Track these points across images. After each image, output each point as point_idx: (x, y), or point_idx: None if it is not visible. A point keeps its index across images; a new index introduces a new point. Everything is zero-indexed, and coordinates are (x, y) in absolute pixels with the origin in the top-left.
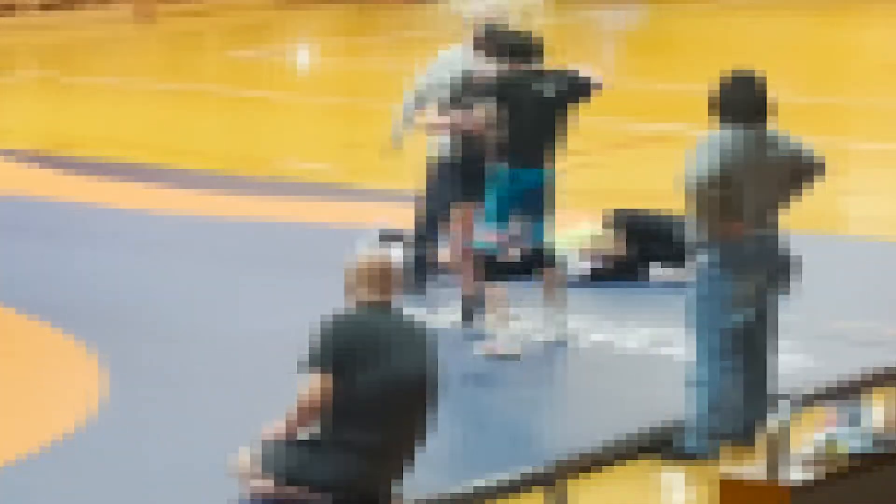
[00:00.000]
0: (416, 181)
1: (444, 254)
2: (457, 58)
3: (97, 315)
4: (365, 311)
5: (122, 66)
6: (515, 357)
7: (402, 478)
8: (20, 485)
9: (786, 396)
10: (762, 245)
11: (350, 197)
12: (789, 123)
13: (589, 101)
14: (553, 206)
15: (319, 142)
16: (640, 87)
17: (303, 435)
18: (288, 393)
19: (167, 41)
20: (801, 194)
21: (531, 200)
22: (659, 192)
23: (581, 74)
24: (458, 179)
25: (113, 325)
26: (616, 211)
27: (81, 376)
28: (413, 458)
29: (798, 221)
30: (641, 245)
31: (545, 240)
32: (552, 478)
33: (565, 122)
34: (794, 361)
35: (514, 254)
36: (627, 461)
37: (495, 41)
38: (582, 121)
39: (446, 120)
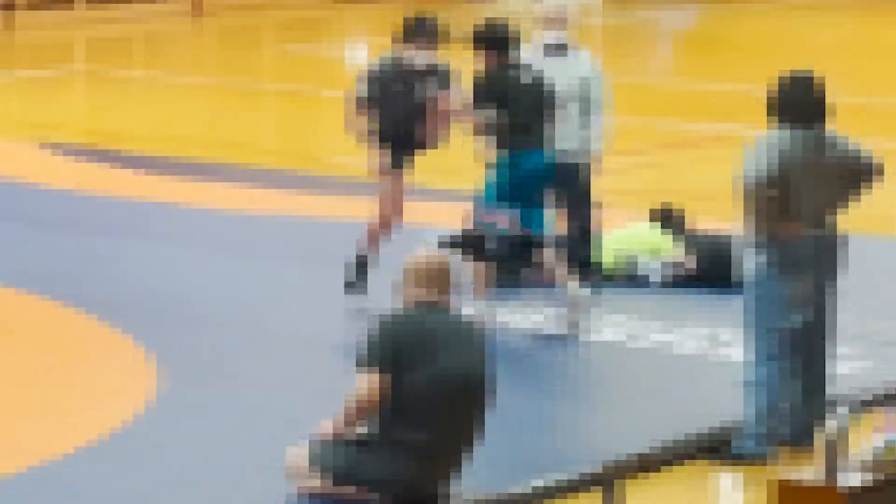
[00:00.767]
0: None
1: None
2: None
3: (148, 310)
4: (419, 310)
5: (177, 60)
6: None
7: (454, 477)
8: (73, 478)
9: (844, 399)
10: (819, 246)
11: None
12: (846, 124)
13: None
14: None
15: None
16: (696, 88)
17: (354, 434)
18: (340, 391)
19: (222, 36)
20: (858, 196)
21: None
22: (714, 193)
23: None
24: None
25: (164, 320)
26: (663, 208)
27: (132, 371)
28: (466, 458)
29: (855, 223)
30: (713, 267)
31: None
32: (609, 478)
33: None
34: (852, 364)
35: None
36: (684, 463)
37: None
38: (638, 120)
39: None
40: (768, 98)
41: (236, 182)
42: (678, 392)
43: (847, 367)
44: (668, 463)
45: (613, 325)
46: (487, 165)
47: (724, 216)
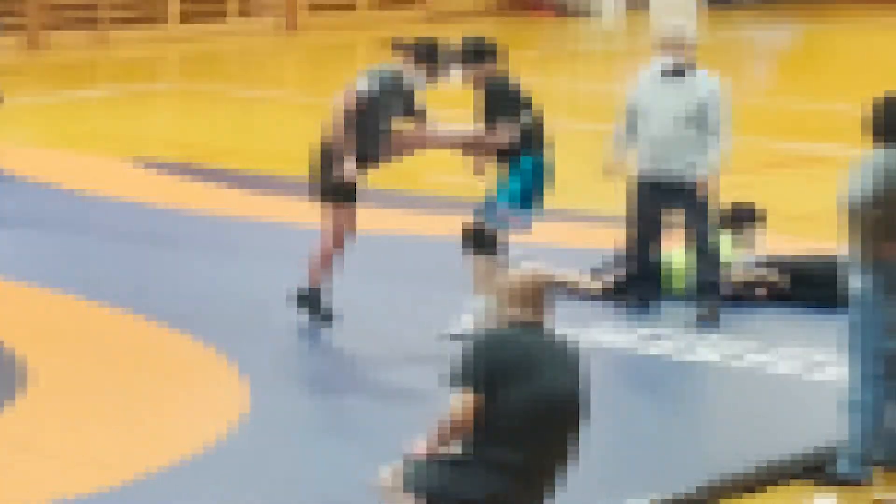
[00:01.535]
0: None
1: None
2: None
3: (236, 324)
4: (514, 329)
5: (269, 76)
6: None
7: (548, 497)
8: (165, 494)
9: None
10: None
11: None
12: None
13: None
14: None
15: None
16: (793, 107)
17: (448, 453)
18: (433, 409)
19: (312, 53)
20: None
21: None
22: (812, 213)
23: None
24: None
25: (252, 335)
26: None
27: (223, 387)
28: (560, 478)
29: None
30: (807, 287)
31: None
32: (706, 499)
33: None
34: None
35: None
36: (780, 485)
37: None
38: (734, 140)
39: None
40: (865, 118)
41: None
42: (775, 413)
43: None
44: (766, 484)
45: (709, 344)
46: (505, 170)
47: (822, 236)
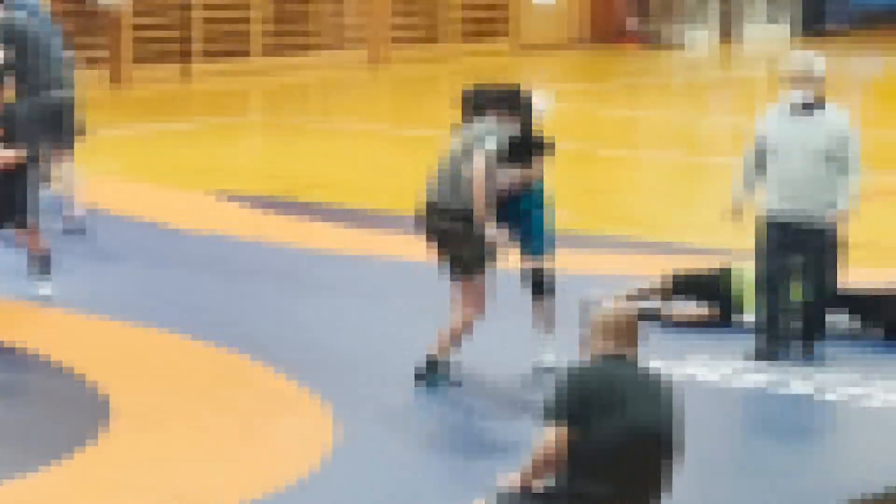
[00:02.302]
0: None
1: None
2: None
3: (324, 360)
4: (607, 363)
5: (351, 110)
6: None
7: None
8: None
9: None
10: None
11: (588, 244)
12: None
13: None
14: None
15: (560, 188)
16: (886, 137)
17: (539, 487)
18: (524, 443)
19: (397, 86)
20: None
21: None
22: None
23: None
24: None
25: (340, 370)
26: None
27: (310, 422)
28: None
29: None
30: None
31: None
32: None
33: None
34: None
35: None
36: None
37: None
38: None
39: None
40: None
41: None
42: (869, 446)
43: None
44: None
45: (802, 377)
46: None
47: None
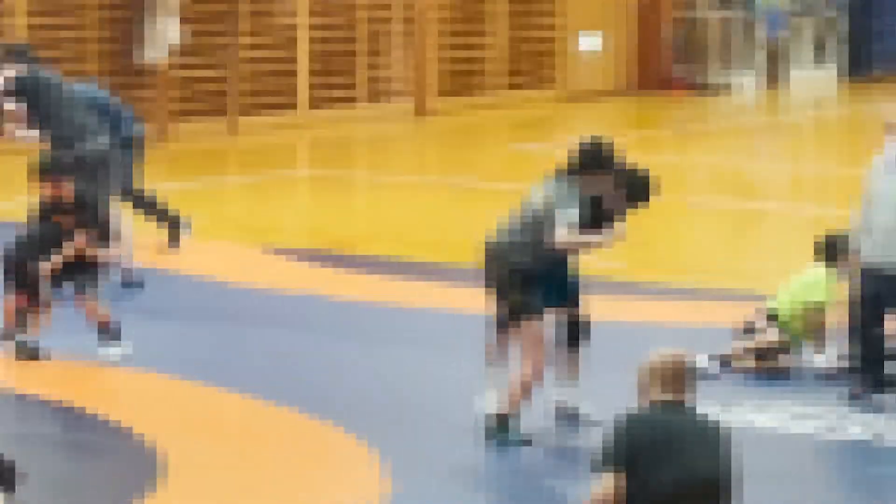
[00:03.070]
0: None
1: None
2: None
3: (380, 413)
4: (658, 409)
5: (400, 160)
6: None
7: None
8: None
9: None
10: None
11: (639, 292)
12: None
13: None
14: None
15: None
16: None
17: None
18: (580, 491)
19: (444, 137)
20: None
21: None
22: None
23: None
24: None
25: (396, 424)
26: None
27: (366, 474)
28: None
29: None
30: None
31: None
32: None
33: None
34: None
35: None
36: None
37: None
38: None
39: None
40: None
41: (464, 283)
42: None
43: None
44: None
45: (861, 423)
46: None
47: None
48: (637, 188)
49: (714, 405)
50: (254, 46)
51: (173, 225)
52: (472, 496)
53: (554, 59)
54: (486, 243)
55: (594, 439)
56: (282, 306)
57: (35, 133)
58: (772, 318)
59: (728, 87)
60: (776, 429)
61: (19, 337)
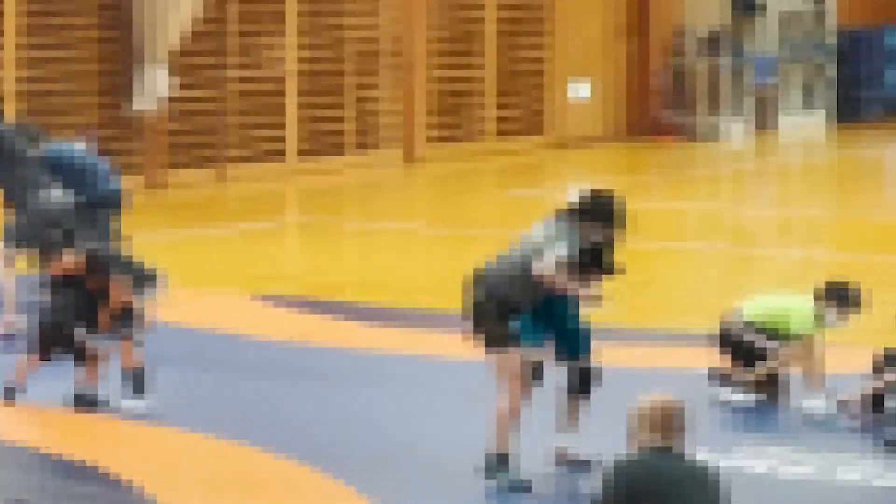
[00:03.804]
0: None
1: None
2: None
3: (368, 458)
4: (653, 455)
5: (391, 208)
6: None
7: None
8: None
9: None
10: None
11: (632, 337)
12: None
13: None
14: None
15: (604, 283)
16: None
17: None
18: None
19: (433, 184)
20: None
21: None
22: None
23: None
24: None
25: (383, 468)
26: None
27: None
28: None
29: None
30: None
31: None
32: None
33: None
34: None
35: None
36: None
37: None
38: (862, 258)
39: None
40: None
41: (453, 328)
42: None
43: None
44: None
45: (853, 467)
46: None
47: None
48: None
49: (707, 449)
50: (243, 95)
51: (148, 282)
52: None
53: (543, 105)
54: (474, 271)
55: (593, 486)
56: (272, 354)
57: None
58: (751, 326)
59: (717, 132)
60: (767, 472)
61: (77, 390)
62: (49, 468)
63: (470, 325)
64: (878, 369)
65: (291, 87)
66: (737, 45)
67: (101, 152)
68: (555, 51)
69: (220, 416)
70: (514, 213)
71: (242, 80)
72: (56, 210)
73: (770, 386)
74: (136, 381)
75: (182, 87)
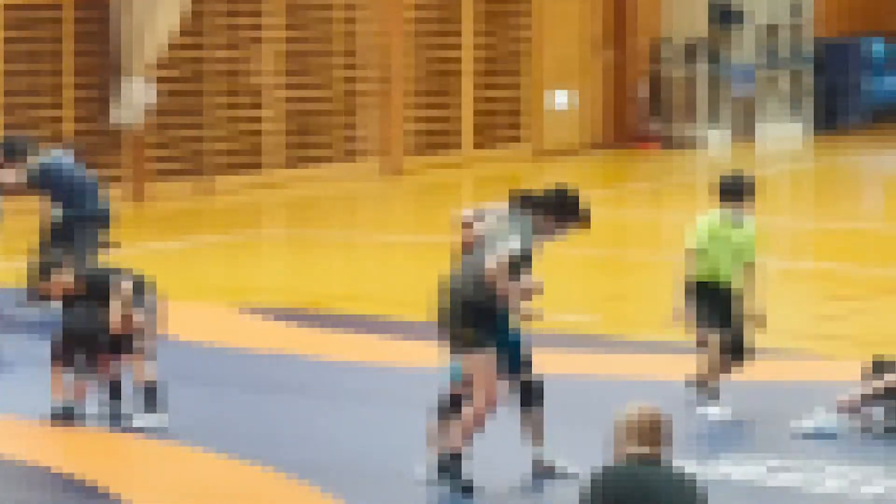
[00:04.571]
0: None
1: None
2: None
3: (356, 472)
4: (634, 465)
5: (373, 220)
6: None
7: None
8: None
9: None
10: None
11: (616, 349)
12: None
13: None
14: None
15: (585, 293)
16: None
17: None
18: None
19: (416, 195)
20: None
21: None
22: None
23: None
24: None
25: (370, 482)
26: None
27: None
28: None
29: None
30: None
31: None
32: None
33: None
34: None
35: None
36: None
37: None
38: (851, 266)
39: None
40: None
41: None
42: None
43: None
44: None
45: (837, 475)
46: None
47: None
48: (566, 208)
49: (693, 459)
50: (230, 106)
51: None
52: None
53: (524, 117)
54: (439, 278)
55: (572, 494)
56: (256, 366)
57: None
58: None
59: (695, 141)
60: (754, 481)
61: (65, 403)
62: (32, 481)
63: (442, 330)
64: (866, 377)
65: (279, 98)
66: (714, 54)
67: (85, 164)
68: (536, 61)
69: (204, 429)
70: None
71: (229, 90)
72: (55, 226)
73: None
74: (148, 397)
75: (169, 95)
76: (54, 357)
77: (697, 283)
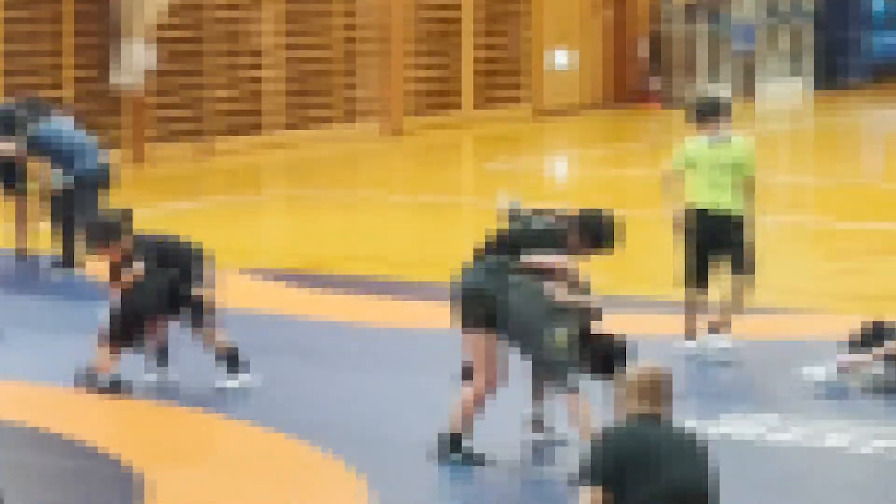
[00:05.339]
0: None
1: None
2: None
3: (360, 435)
4: (640, 424)
5: (374, 180)
6: None
7: None
8: None
9: None
10: None
11: (618, 307)
12: None
13: None
14: None
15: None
16: None
17: None
18: None
19: (417, 155)
20: None
21: None
22: None
23: None
24: None
25: (377, 445)
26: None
27: (351, 499)
28: None
29: None
30: None
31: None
32: None
33: None
34: None
35: None
36: None
37: None
38: (846, 224)
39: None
40: None
41: (438, 300)
42: None
43: None
44: None
45: (837, 430)
46: None
47: None
48: (602, 233)
49: (694, 417)
50: (229, 67)
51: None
52: None
53: (522, 77)
54: (462, 264)
55: (569, 457)
56: (258, 327)
57: None
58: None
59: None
60: (754, 440)
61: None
62: (37, 444)
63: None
64: (865, 340)
65: (279, 58)
66: (714, 12)
67: (85, 127)
68: (537, 20)
69: (199, 389)
70: (498, 184)
71: (230, 52)
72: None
73: None
74: (231, 361)
75: (168, 57)
76: (112, 337)
77: (697, 210)
